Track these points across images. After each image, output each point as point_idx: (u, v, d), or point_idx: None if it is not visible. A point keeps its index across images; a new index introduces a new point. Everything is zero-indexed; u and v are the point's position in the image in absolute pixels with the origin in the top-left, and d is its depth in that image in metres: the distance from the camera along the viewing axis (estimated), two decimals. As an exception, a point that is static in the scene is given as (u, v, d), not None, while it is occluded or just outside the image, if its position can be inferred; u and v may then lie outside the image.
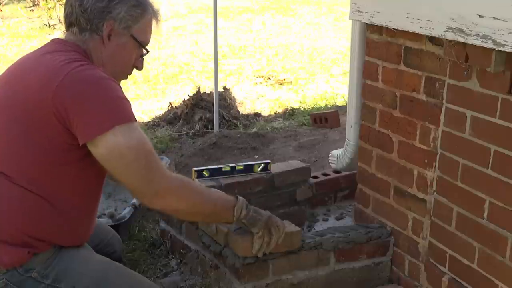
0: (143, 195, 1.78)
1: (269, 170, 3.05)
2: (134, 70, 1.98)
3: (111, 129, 1.67)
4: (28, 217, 1.74)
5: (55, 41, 1.89)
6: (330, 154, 3.12)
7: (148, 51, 1.96)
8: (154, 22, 1.94)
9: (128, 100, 1.77)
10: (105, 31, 1.84)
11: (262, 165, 3.04)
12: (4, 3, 13.43)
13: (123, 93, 1.78)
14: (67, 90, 1.68)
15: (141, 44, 1.92)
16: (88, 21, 1.82)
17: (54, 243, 1.79)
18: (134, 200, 3.07)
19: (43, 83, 1.70)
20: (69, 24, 1.87)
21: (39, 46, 1.93)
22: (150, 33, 1.94)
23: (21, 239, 1.73)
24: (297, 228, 2.41)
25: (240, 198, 2.05)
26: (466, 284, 2.23)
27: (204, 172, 2.96)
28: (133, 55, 1.93)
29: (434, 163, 2.31)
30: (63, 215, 1.79)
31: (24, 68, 1.81)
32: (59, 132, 1.70)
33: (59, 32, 10.59)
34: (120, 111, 1.72)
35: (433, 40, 2.21)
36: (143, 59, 1.98)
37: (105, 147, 1.68)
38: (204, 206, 1.93)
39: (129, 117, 1.73)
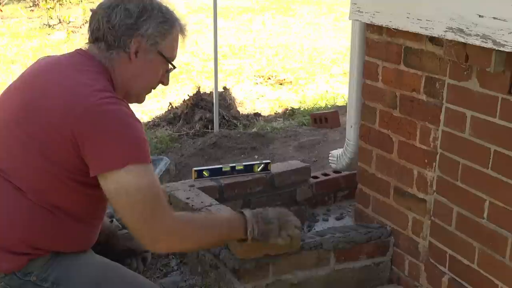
0: (143, 237, 1.76)
1: (269, 170, 3.05)
2: None
3: (124, 167, 1.65)
4: (34, 229, 1.73)
5: (80, 54, 1.85)
6: (330, 154, 3.11)
7: (174, 67, 1.93)
8: (180, 37, 1.91)
9: (147, 141, 1.75)
10: (132, 48, 1.80)
11: (262, 165, 3.04)
12: (4, 3, 13.42)
13: (143, 134, 1.75)
14: (89, 121, 1.66)
15: (168, 60, 1.89)
16: (115, 38, 1.79)
17: (54, 251, 1.78)
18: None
19: (67, 109, 1.67)
20: (95, 39, 1.83)
21: (61, 53, 1.91)
22: (177, 48, 1.91)
23: (23, 248, 1.73)
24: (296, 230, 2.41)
25: (247, 215, 1.98)
26: (466, 284, 2.23)
27: (204, 172, 2.96)
28: (160, 71, 1.90)
29: (434, 163, 2.31)
30: (69, 228, 1.79)
31: (47, 80, 1.78)
32: (73, 158, 1.69)
33: (60, 32, 10.65)
34: (137, 150, 1.70)
35: (433, 40, 2.21)
36: (169, 74, 1.95)
37: (115, 183, 1.67)
38: (210, 239, 1.91)
39: (144, 158, 1.70)
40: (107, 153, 1.66)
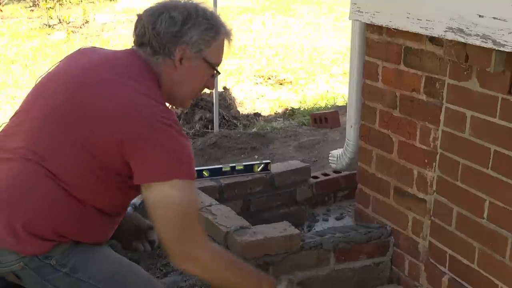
0: (173, 252, 1.78)
1: (269, 170, 3.05)
2: None
3: (170, 180, 1.68)
4: (63, 218, 1.76)
5: (132, 55, 1.85)
6: (330, 154, 3.12)
7: (219, 73, 1.94)
8: (226, 42, 1.91)
9: (194, 160, 1.78)
10: (177, 55, 1.81)
11: (262, 165, 3.04)
12: (4, 3, 13.42)
13: (191, 151, 1.77)
14: (143, 130, 1.68)
15: (213, 66, 1.89)
16: (160, 45, 1.80)
17: (75, 240, 1.82)
18: (134, 200, 3.07)
19: (122, 114, 1.69)
20: (140, 44, 1.84)
21: (101, 48, 1.93)
22: (222, 53, 1.92)
23: (50, 235, 1.75)
24: (296, 231, 2.41)
25: (283, 282, 1.95)
26: (466, 284, 2.23)
27: (204, 172, 2.96)
28: (205, 77, 1.91)
29: (434, 163, 2.31)
30: (95, 221, 1.82)
31: (101, 79, 1.77)
32: (118, 162, 1.71)
33: (60, 32, 10.66)
34: (184, 165, 1.72)
35: (433, 40, 2.21)
36: (214, 79, 1.96)
37: (158, 195, 1.70)
38: (230, 284, 1.89)
39: (190, 174, 1.74)
40: (155, 164, 1.69)
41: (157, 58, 1.82)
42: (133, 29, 1.87)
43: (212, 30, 1.85)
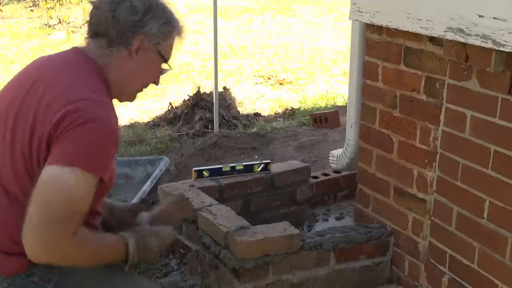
0: (32, 238, 1.61)
1: (269, 170, 3.05)
2: None
3: (71, 166, 1.59)
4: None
5: (75, 53, 1.84)
6: (330, 154, 3.11)
7: (171, 68, 1.93)
8: (178, 39, 1.91)
9: (112, 160, 1.72)
10: (135, 45, 1.80)
11: (262, 165, 3.04)
12: (4, 3, 13.42)
13: (114, 151, 1.71)
14: (69, 120, 1.63)
15: (166, 60, 1.89)
16: (119, 34, 1.78)
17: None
18: (134, 200, 3.07)
19: (54, 105, 1.66)
20: (95, 34, 1.82)
21: (56, 52, 1.90)
22: (174, 49, 1.92)
23: (17, 249, 1.69)
24: (296, 231, 2.41)
25: (130, 245, 1.83)
26: (466, 284, 2.23)
27: (204, 172, 2.96)
28: (157, 71, 1.90)
29: (434, 163, 2.31)
30: None
31: (38, 78, 1.77)
32: (45, 152, 1.66)
33: (60, 32, 10.66)
34: (97, 161, 1.64)
35: (433, 40, 2.21)
36: (162, 75, 1.95)
37: (52, 175, 1.60)
38: (92, 263, 1.77)
39: (97, 171, 1.64)
40: (66, 150, 1.61)
41: (111, 50, 1.80)
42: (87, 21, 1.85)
43: (169, 25, 1.85)
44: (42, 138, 1.65)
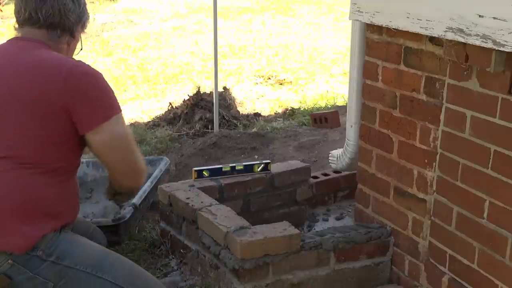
0: (132, 174, 2.02)
1: (269, 170, 3.05)
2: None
3: (111, 119, 1.89)
4: (36, 193, 1.85)
5: (26, 40, 2.03)
6: (330, 154, 3.11)
7: (82, 49, 2.18)
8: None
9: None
10: (77, 33, 2.08)
11: (262, 165, 3.04)
12: (4, 3, 13.41)
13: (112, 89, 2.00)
14: (74, 83, 1.85)
15: (82, 44, 2.16)
16: (70, 25, 2.02)
17: (55, 217, 1.88)
18: (134, 200, 3.07)
19: (49, 79, 1.85)
20: (49, 25, 2.00)
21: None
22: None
23: (39, 219, 1.83)
24: (296, 231, 2.41)
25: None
26: (466, 284, 2.23)
27: (204, 172, 2.96)
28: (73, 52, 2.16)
29: (434, 163, 2.31)
30: (61, 187, 1.93)
31: (18, 64, 1.94)
32: (64, 123, 1.86)
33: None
34: (115, 102, 1.94)
35: (433, 40, 2.21)
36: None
37: (106, 134, 1.89)
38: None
39: (120, 107, 1.95)
40: (95, 109, 1.88)
41: (64, 37, 2.03)
42: (21, 9, 2.10)
43: (88, 15, 2.13)
44: (56, 104, 1.84)
